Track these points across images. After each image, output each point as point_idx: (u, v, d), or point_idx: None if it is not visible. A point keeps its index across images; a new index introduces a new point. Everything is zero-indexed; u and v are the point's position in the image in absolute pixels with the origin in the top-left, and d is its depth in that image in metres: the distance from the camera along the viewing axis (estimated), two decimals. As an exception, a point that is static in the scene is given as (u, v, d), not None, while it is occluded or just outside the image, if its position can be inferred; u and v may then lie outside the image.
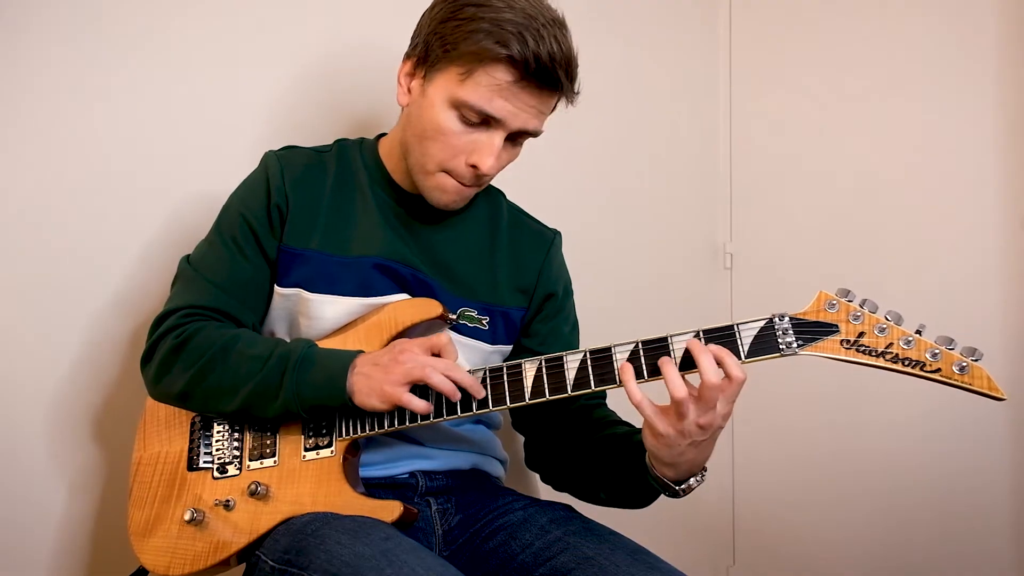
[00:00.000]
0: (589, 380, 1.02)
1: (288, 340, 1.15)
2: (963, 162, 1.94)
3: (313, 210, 1.18)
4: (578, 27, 1.13)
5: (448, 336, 1.08)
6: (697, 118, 2.31)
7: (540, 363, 1.05)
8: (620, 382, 1.00)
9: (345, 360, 1.06)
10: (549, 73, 1.07)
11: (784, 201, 2.23)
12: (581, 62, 1.13)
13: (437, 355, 1.07)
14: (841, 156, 2.13)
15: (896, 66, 2.04)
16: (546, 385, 1.04)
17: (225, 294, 1.15)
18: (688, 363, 0.98)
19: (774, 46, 2.27)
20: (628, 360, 1.01)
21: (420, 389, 1.05)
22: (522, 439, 1.34)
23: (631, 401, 0.98)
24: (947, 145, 1.96)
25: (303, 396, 1.06)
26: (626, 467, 1.11)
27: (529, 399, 1.04)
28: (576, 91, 1.13)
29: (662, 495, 1.09)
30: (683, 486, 1.05)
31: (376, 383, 1.03)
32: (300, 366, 1.06)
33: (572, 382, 1.03)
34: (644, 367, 1.00)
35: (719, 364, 0.96)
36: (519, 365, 1.06)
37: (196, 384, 1.09)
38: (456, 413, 1.06)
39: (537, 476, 1.34)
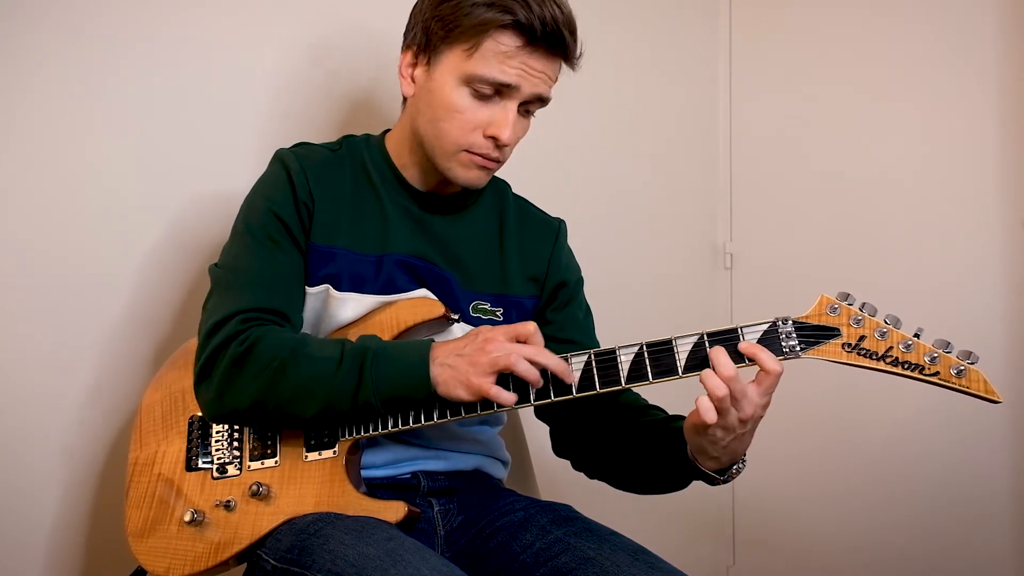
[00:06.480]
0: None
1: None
2: (963, 162, 1.94)
3: (336, 207, 1.17)
4: (577, 27, 1.13)
5: (535, 323, 1.05)
6: (697, 117, 2.31)
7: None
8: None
9: (423, 350, 1.04)
10: (555, 35, 1.08)
11: (784, 201, 2.23)
12: (581, 62, 1.15)
13: (523, 342, 1.04)
14: (841, 156, 2.13)
15: (896, 66, 2.04)
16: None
17: (274, 293, 1.12)
18: (693, 365, 1.00)
19: (774, 46, 2.27)
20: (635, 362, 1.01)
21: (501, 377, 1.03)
22: (524, 441, 1.34)
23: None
24: (947, 145, 1.97)
25: (382, 391, 1.03)
26: (669, 455, 1.11)
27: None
28: (579, 53, 1.14)
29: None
30: (725, 476, 1.07)
31: (462, 374, 1.01)
32: (376, 360, 1.04)
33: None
34: (649, 370, 1.01)
35: (755, 360, 0.97)
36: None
37: (270, 392, 1.05)
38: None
39: (537, 477, 1.34)
